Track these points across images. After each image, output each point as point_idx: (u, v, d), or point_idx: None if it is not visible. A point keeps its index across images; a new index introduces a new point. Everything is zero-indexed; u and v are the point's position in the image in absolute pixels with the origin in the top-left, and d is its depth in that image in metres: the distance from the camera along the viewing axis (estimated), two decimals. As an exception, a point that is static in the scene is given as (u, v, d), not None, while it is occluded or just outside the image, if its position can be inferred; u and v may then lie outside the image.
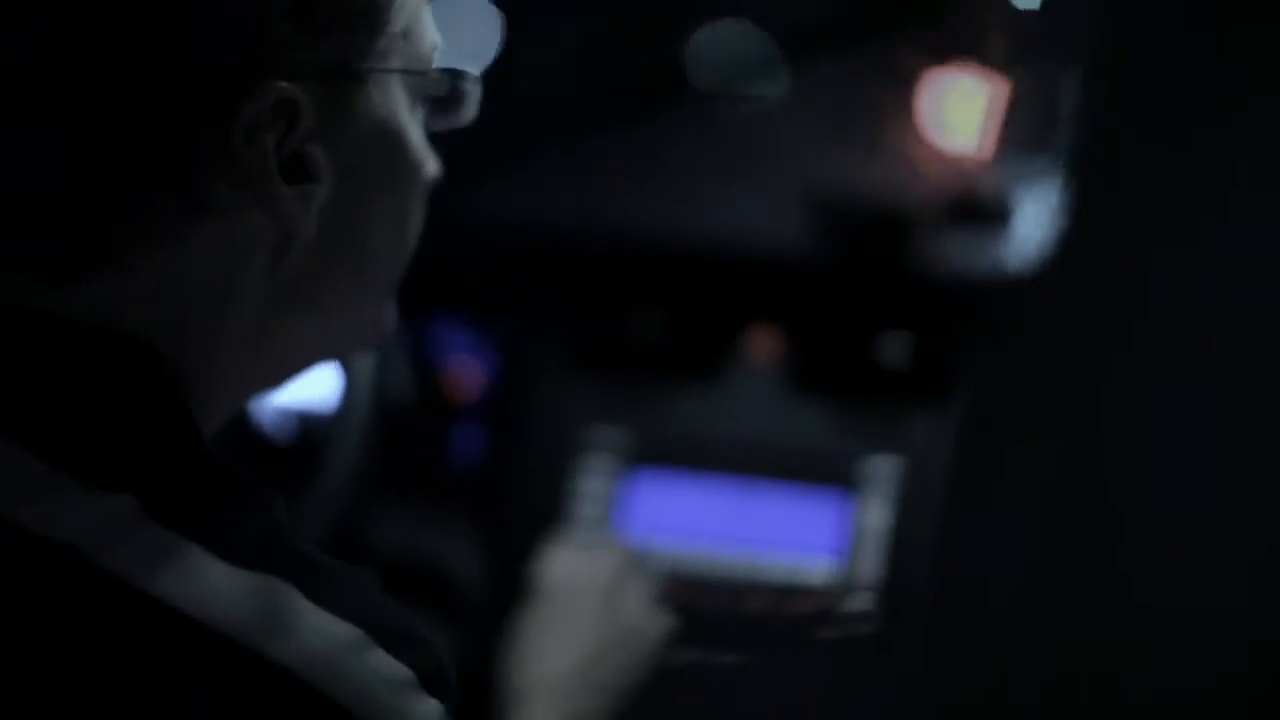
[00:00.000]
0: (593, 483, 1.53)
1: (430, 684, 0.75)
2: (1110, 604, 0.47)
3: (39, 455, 0.74)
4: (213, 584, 0.72)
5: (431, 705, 0.75)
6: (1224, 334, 0.44)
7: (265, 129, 0.77)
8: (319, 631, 0.73)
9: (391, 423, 1.53)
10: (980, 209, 1.53)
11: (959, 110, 1.53)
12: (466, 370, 1.65)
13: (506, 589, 1.53)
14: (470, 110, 0.91)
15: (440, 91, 0.88)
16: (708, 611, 1.44)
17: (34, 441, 0.74)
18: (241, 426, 1.45)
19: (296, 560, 0.76)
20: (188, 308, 0.79)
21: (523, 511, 1.56)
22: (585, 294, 1.62)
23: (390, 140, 0.84)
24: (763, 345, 1.56)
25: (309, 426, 1.46)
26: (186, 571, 0.72)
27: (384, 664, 0.74)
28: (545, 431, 1.57)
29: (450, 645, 1.52)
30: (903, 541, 1.45)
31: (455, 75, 0.89)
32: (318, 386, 1.51)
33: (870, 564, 1.45)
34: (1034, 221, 1.56)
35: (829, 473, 1.49)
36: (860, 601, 1.43)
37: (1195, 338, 0.45)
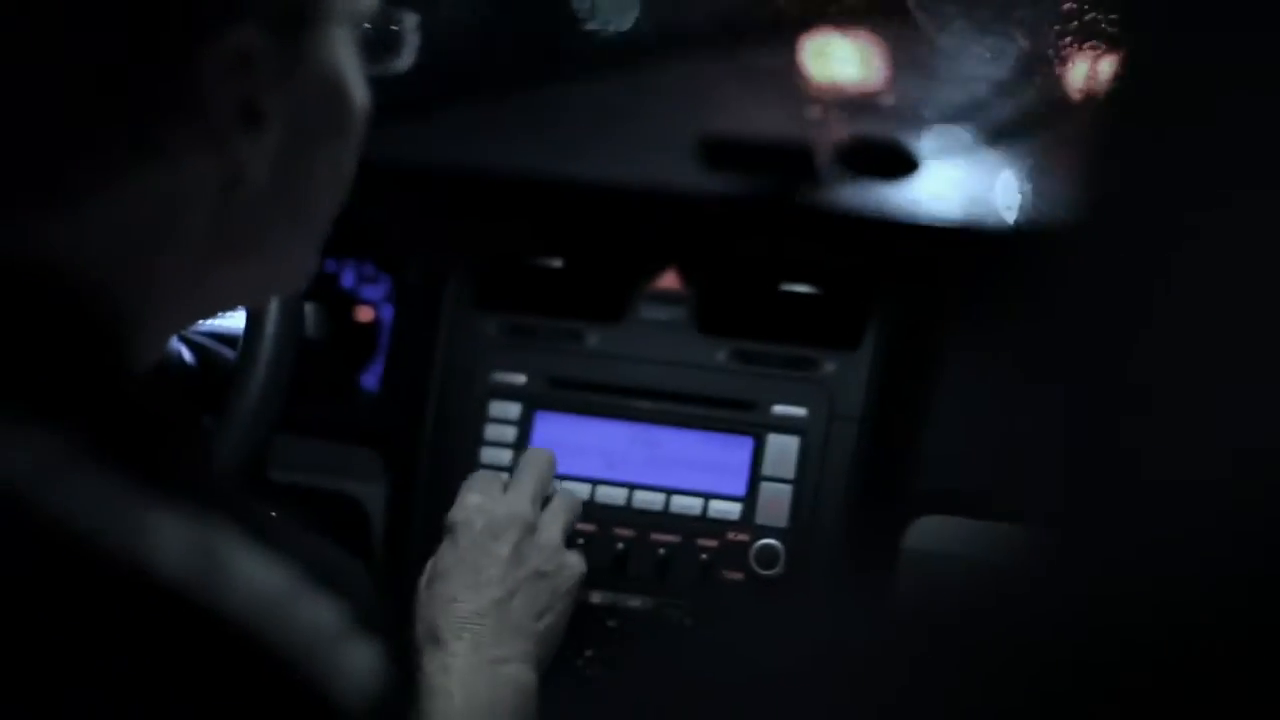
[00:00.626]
0: (498, 426, 1.53)
1: (365, 626, 0.75)
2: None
3: None
4: (150, 528, 0.71)
5: (366, 648, 0.74)
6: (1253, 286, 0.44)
7: (223, 75, 0.77)
8: (255, 578, 0.72)
9: (298, 357, 1.52)
10: (875, 149, 1.54)
11: (848, 57, 1.54)
12: (371, 307, 1.65)
13: (414, 522, 1.54)
14: (409, 55, 0.92)
15: (381, 36, 0.89)
16: (614, 552, 1.45)
17: None
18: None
19: (231, 504, 0.75)
20: (129, 250, 0.79)
21: (429, 448, 1.56)
22: (489, 234, 1.62)
23: (335, 87, 0.84)
24: (668, 286, 1.56)
25: (214, 353, 1.45)
26: (124, 515, 0.71)
27: (319, 609, 0.73)
28: (449, 371, 1.57)
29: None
30: (809, 484, 1.46)
31: (397, 20, 0.90)
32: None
33: (777, 506, 1.46)
34: (935, 163, 1.57)
35: (736, 414, 1.49)
36: (766, 544, 1.44)
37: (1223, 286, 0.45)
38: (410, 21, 0.92)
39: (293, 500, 1.53)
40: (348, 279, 1.65)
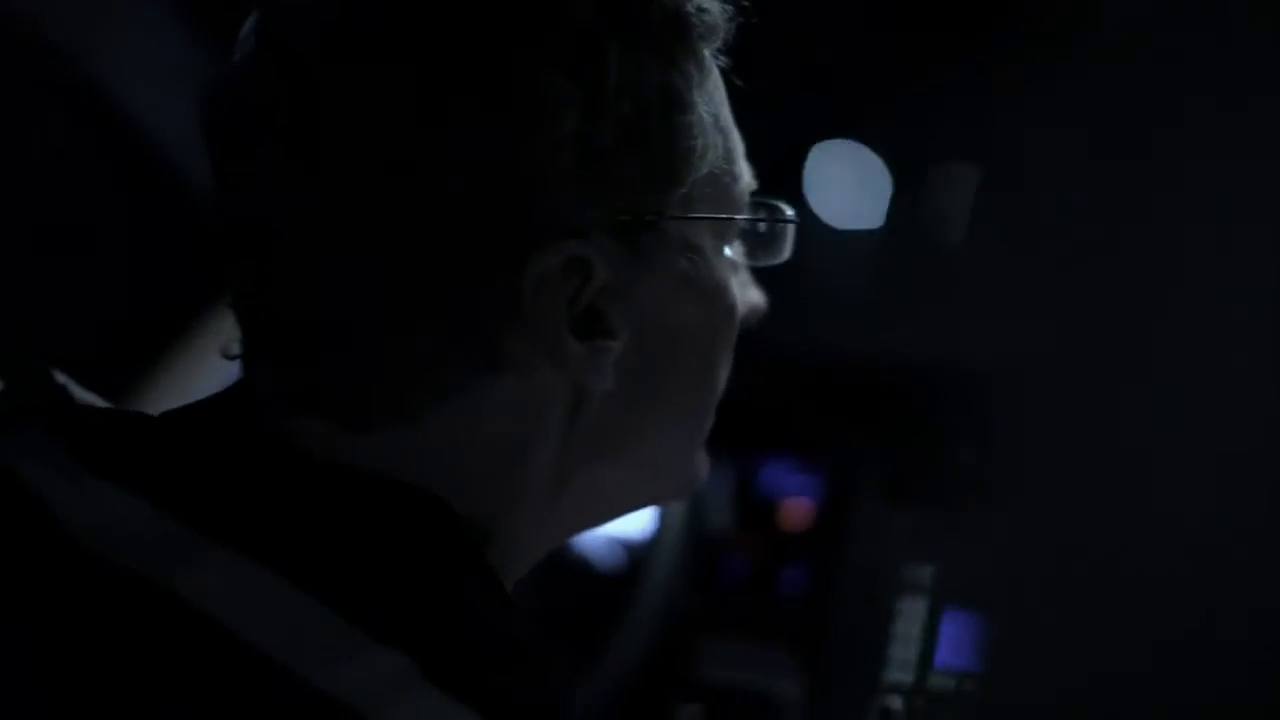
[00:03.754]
0: (909, 621, 1.53)
1: None
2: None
3: (324, 603, 0.72)
4: None
5: None
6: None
7: (554, 286, 0.76)
8: None
9: (715, 554, 1.55)
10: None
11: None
12: (791, 503, 1.67)
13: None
14: (785, 247, 0.90)
15: (753, 229, 0.87)
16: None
17: (319, 589, 0.72)
18: (563, 554, 1.49)
19: None
20: (482, 462, 0.79)
21: (845, 644, 1.56)
22: (907, 428, 1.63)
23: (694, 287, 0.82)
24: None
25: (634, 555, 1.49)
26: None
27: None
28: (866, 565, 1.58)
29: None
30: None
31: (767, 212, 0.88)
32: (641, 517, 1.55)
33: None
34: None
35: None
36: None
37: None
38: (783, 214, 0.90)
39: (707, 697, 1.55)
40: (769, 472, 1.67)
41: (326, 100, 0.75)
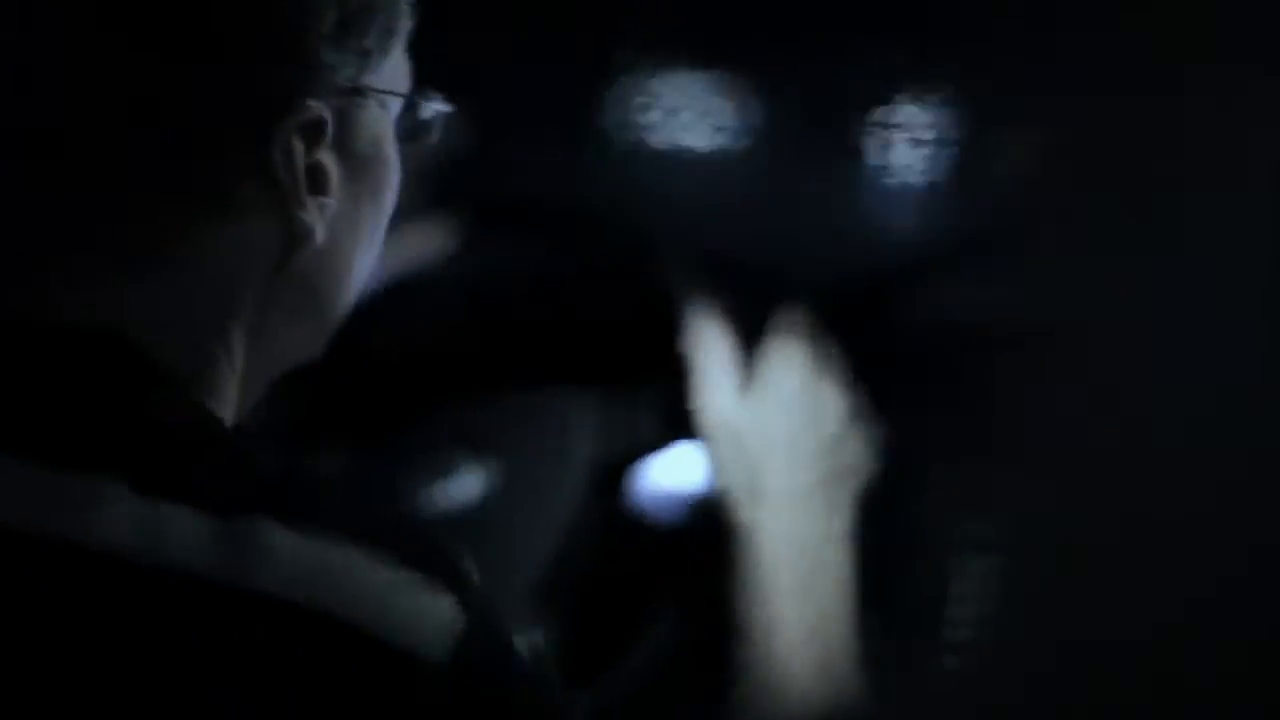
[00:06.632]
0: (965, 580, 1.53)
1: (442, 582, 0.77)
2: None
3: (24, 456, 0.78)
4: (183, 536, 0.75)
5: (441, 601, 0.76)
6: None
7: (297, 142, 0.84)
8: (300, 554, 0.76)
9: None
10: None
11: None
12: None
13: (895, 678, 1.54)
14: (435, 135, 0.97)
15: (417, 116, 0.95)
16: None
17: (20, 445, 0.78)
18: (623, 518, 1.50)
19: (275, 495, 0.79)
20: (198, 300, 0.85)
21: (908, 604, 1.57)
22: (957, 386, 1.63)
23: (380, 157, 0.91)
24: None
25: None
26: (159, 530, 0.75)
27: (378, 570, 0.76)
28: (922, 523, 1.58)
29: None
30: None
31: (428, 108, 0.96)
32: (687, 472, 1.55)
33: None
34: None
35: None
36: None
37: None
38: (443, 105, 0.97)
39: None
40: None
41: None
